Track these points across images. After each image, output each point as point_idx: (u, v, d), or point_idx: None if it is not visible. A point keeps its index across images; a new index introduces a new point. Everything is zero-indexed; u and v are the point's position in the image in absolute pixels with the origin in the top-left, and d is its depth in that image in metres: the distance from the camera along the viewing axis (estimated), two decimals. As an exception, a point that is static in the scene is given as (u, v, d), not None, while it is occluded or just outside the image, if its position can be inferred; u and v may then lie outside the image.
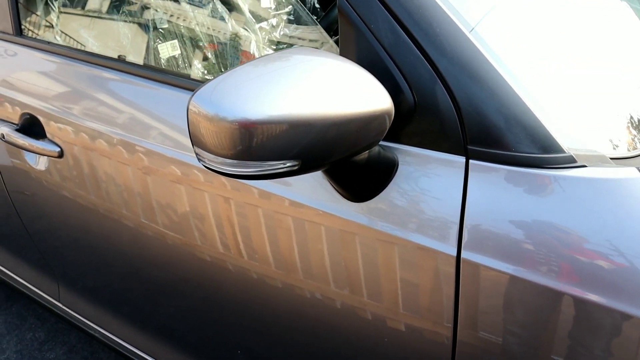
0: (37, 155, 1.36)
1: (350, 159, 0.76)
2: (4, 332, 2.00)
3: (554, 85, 0.86)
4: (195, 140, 0.68)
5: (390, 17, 0.80)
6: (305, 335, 1.03)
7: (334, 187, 0.86)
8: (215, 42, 1.41)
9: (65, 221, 1.42)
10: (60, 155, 1.29)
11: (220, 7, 1.39)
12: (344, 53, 0.85)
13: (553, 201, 0.74)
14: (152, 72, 1.18)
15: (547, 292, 0.73)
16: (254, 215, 0.98)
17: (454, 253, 0.78)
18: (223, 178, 0.99)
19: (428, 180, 0.80)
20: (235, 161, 0.67)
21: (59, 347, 1.93)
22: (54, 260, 1.58)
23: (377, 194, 0.83)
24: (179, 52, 1.51)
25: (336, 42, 1.10)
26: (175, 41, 1.55)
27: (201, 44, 1.45)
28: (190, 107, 0.67)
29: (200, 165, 1.02)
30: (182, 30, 1.48)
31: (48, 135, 1.31)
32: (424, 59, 0.79)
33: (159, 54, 1.48)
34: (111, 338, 1.52)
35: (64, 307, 1.64)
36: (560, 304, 0.73)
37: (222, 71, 1.36)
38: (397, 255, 0.84)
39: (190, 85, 1.09)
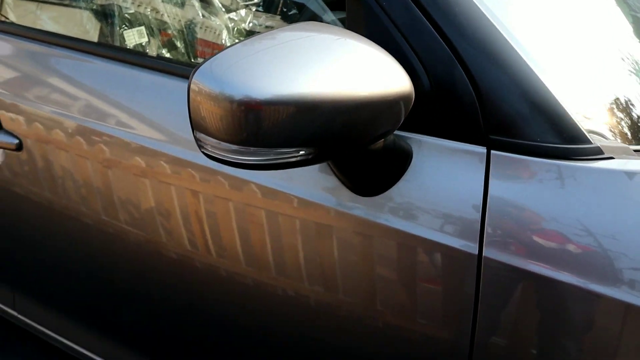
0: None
1: (365, 148, 0.68)
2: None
3: (572, 73, 0.81)
4: (197, 124, 0.59)
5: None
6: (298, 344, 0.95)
7: (338, 178, 0.78)
8: (184, 30, 1.32)
9: (23, 221, 1.30)
10: (19, 147, 1.16)
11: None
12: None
13: (581, 195, 0.69)
14: (116, 52, 1.09)
15: (578, 292, 0.68)
16: (224, 210, 0.90)
17: (475, 252, 0.72)
18: (192, 168, 0.91)
19: (445, 173, 0.74)
20: (241, 148, 0.59)
21: (11, 358, 1.77)
22: (9, 264, 1.45)
23: (389, 188, 0.75)
24: (146, 39, 1.40)
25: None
26: (143, 28, 1.45)
27: (170, 32, 1.35)
28: (191, 85, 0.58)
29: (171, 153, 0.93)
30: (150, 17, 1.38)
31: (4, 125, 1.18)
32: (441, 39, 0.73)
33: (124, 40, 1.37)
34: (72, 347, 1.40)
35: (19, 316, 1.51)
36: (593, 306, 0.68)
37: (192, 60, 1.27)
38: (408, 255, 0.76)
39: (158, 65, 1.00)
